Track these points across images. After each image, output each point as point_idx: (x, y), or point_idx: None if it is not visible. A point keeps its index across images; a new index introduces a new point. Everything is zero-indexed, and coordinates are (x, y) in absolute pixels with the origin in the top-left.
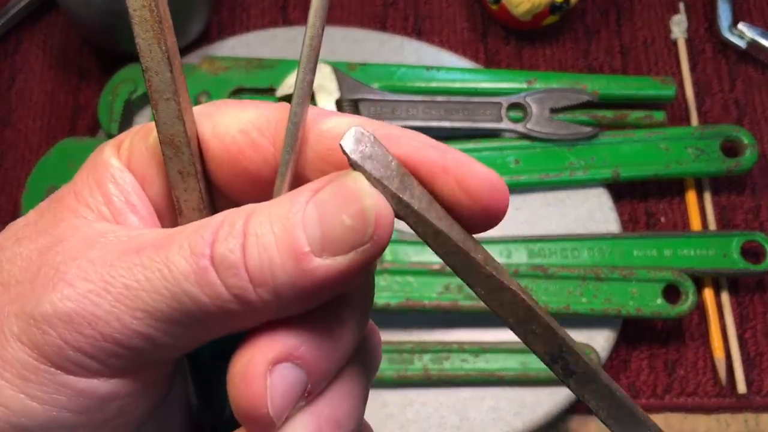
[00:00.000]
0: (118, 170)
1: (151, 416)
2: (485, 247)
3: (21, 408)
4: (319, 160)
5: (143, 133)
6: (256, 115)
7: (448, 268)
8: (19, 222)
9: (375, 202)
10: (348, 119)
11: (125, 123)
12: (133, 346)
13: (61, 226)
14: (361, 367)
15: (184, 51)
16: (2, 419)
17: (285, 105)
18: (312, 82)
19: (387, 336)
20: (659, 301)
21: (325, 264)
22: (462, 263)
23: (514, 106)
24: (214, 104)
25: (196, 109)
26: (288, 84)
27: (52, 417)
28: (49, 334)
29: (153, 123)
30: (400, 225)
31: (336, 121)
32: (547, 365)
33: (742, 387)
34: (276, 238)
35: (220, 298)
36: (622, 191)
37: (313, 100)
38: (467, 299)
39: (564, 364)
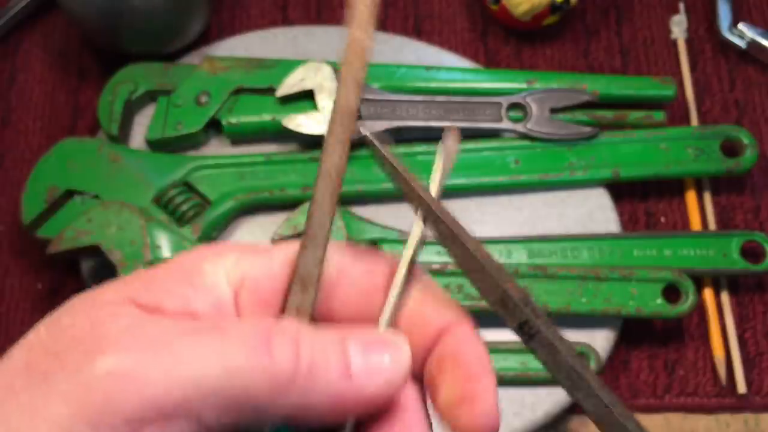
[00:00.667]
0: (219, 289)
1: None
2: (486, 247)
3: None
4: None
5: (260, 255)
6: (374, 268)
7: (448, 268)
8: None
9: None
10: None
11: (125, 123)
12: (176, 416)
13: (119, 306)
14: None
15: (185, 51)
16: None
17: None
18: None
19: None
20: (659, 301)
21: (357, 385)
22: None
23: (514, 106)
24: (355, 251)
25: (335, 248)
26: (288, 84)
27: None
28: (95, 393)
29: (274, 249)
30: (401, 226)
31: (434, 312)
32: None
33: (741, 387)
34: (327, 359)
35: (264, 388)
36: (622, 191)
37: (313, 99)
38: (466, 299)
39: (522, 321)
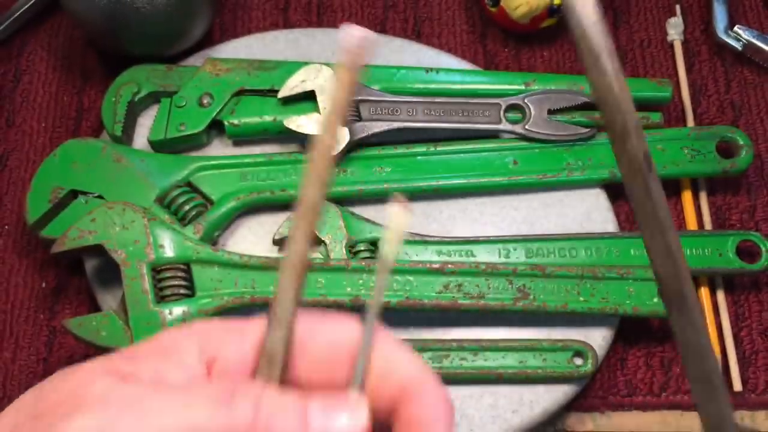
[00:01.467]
0: (194, 366)
1: None
2: (484, 247)
3: None
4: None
5: (234, 334)
6: (336, 338)
7: (448, 267)
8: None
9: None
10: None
11: (128, 124)
12: None
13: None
14: None
15: (187, 53)
16: None
17: (356, 328)
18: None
19: None
20: (656, 300)
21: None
22: None
23: (512, 108)
24: (320, 320)
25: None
26: (289, 86)
27: None
28: None
29: (248, 327)
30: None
31: (399, 368)
32: None
33: (737, 385)
34: (286, 416)
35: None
36: (619, 191)
37: (314, 100)
38: (466, 298)
39: None
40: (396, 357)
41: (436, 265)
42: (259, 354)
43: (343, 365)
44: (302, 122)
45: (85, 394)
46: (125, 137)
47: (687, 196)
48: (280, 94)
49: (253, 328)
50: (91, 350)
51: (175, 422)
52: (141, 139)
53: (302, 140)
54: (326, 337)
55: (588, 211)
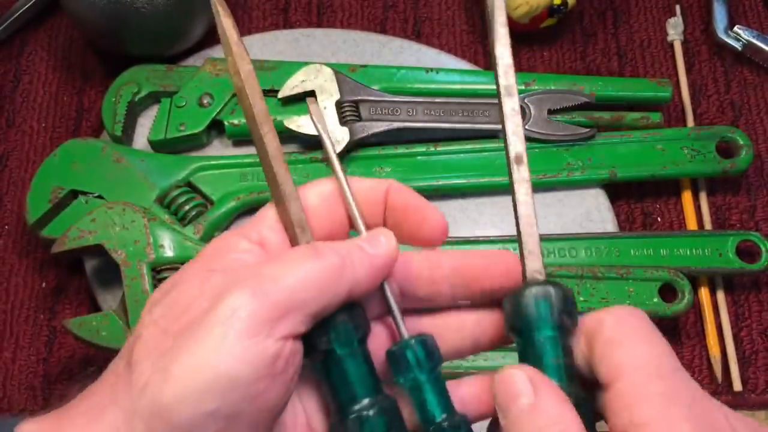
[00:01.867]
0: (253, 250)
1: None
2: (484, 247)
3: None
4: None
5: (259, 223)
6: (322, 191)
7: None
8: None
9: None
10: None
11: (128, 124)
12: (291, 311)
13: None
14: None
15: (187, 53)
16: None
17: (329, 181)
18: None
19: None
20: (655, 300)
21: (375, 257)
22: None
23: None
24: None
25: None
26: (289, 86)
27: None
28: (238, 313)
29: (268, 216)
30: None
31: (374, 188)
32: None
33: (737, 385)
34: (354, 250)
35: (327, 278)
36: (619, 191)
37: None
38: None
39: None
40: (365, 181)
41: None
42: (287, 226)
43: (334, 211)
44: (302, 122)
45: (213, 287)
46: (125, 137)
47: (687, 196)
48: (280, 94)
49: (266, 213)
50: (91, 350)
51: (296, 276)
52: (141, 139)
53: (302, 140)
54: (315, 195)
55: (588, 211)
